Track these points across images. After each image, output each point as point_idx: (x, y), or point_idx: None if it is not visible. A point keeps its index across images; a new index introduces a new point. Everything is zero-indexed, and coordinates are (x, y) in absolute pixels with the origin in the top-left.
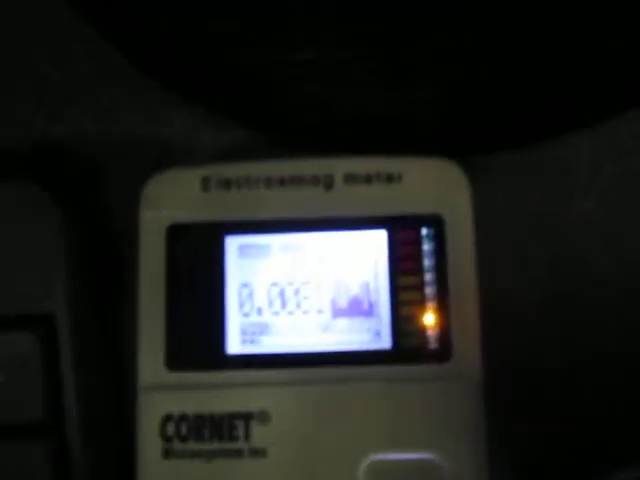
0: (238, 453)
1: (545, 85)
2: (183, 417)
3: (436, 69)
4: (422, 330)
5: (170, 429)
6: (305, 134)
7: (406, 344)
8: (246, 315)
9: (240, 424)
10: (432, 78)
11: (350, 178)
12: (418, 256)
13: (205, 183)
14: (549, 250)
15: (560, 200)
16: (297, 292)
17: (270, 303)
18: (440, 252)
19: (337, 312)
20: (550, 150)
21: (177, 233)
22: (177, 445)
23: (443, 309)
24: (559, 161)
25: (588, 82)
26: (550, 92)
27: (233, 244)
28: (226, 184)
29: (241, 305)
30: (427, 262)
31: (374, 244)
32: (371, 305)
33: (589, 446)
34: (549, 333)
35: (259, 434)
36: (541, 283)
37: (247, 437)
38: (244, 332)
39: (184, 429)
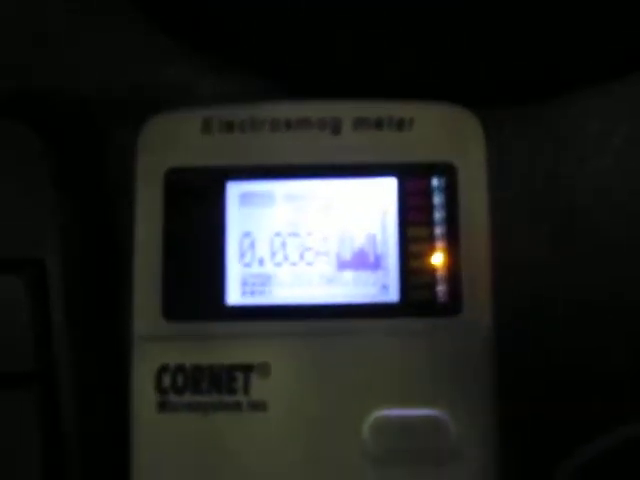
0: (237, 406)
1: (558, 39)
2: (180, 368)
3: (449, 21)
4: (431, 283)
5: (166, 381)
6: (310, 80)
7: (414, 297)
8: (247, 265)
9: (239, 376)
10: (445, 29)
11: (359, 122)
12: (429, 206)
13: (206, 125)
14: (563, 204)
15: (573, 157)
16: (301, 243)
17: (272, 254)
18: (452, 202)
19: (342, 264)
20: (564, 107)
21: (175, 178)
22: (173, 397)
23: (453, 261)
24: (573, 119)
25: (601, 36)
26: (563, 46)
27: (235, 191)
28: (229, 126)
29: (242, 255)
30: (438, 213)
31: (383, 193)
32: (378, 257)
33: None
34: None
35: (259, 387)
36: (552, 240)
37: (246, 390)
38: (245, 283)
39: (180, 381)
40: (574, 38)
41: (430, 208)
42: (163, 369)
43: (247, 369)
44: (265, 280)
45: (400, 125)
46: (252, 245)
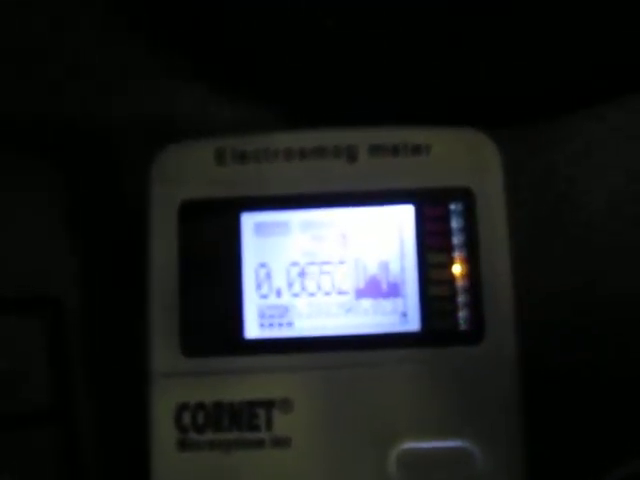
0: (259, 443)
1: (574, 56)
2: (200, 406)
3: (464, 39)
4: (452, 311)
5: (186, 419)
6: (322, 107)
7: (435, 326)
8: (264, 297)
9: (261, 412)
10: (460, 49)
11: (375, 149)
12: (447, 232)
13: (220, 156)
14: (579, 229)
15: (588, 175)
16: (318, 272)
17: (289, 284)
18: (471, 227)
19: (361, 293)
20: (578, 123)
21: (190, 210)
22: (193, 436)
23: (474, 288)
24: (587, 134)
25: (613, 50)
26: (577, 63)
27: (249, 221)
28: (242, 157)
29: (259, 286)
30: (457, 238)
31: (400, 220)
32: (397, 285)
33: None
34: (583, 309)
35: (281, 423)
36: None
37: (269, 426)
38: (262, 315)
39: (201, 418)
40: (586, 53)
41: (449, 233)
42: (183, 407)
43: (269, 405)
44: (283, 312)
45: (416, 151)
46: (268, 276)
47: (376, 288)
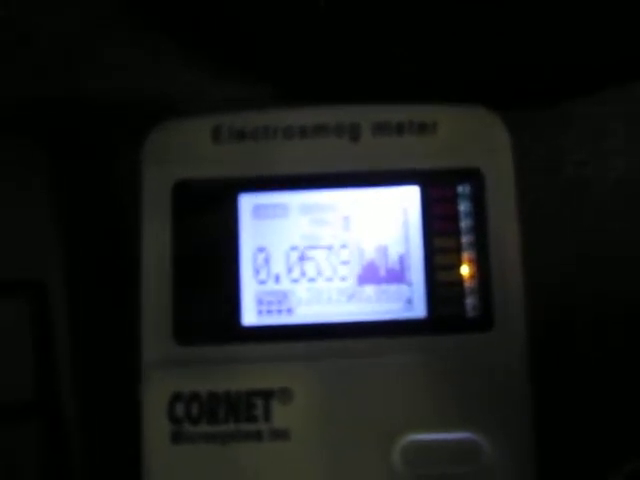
0: (257, 435)
1: (578, 40)
2: (194, 396)
3: (470, 20)
4: (460, 297)
5: (179, 410)
6: (323, 84)
7: (442, 312)
8: (262, 283)
9: (259, 403)
10: (466, 29)
11: (379, 128)
12: (455, 215)
13: (216, 134)
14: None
15: (594, 159)
16: (319, 257)
17: (289, 269)
18: (479, 210)
19: (363, 278)
20: (585, 108)
21: (184, 191)
22: (187, 428)
23: (483, 273)
24: (594, 120)
25: (618, 39)
26: (584, 47)
27: (247, 203)
28: (240, 135)
29: (257, 272)
30: (465, 221)
31: (405, 202)
32: (402, 270)
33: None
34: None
35: (280, 414)
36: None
37: (267, 417)
38: (260, 302)
39: (195, 409)
40: (592, 38)
41: (456, 217)
42: (176, 397)
43: (267, 395)
44: (282, 298)
45: (422, 130)
46: (267, 261)
47: (379, 273)
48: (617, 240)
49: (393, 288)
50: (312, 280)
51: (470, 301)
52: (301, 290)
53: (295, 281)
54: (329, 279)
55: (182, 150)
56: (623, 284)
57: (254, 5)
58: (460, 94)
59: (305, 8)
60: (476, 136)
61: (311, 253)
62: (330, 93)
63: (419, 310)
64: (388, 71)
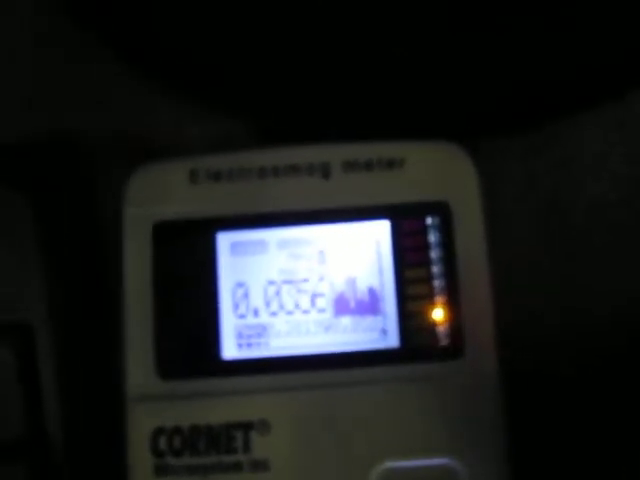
0: (237, 466)
1: (549, 65)
2: (176, 430)
3: (438, 48)
4: (432, 326)
5: (162, 443)
6: (296, 121)
7: (415, 342)
8: (242, 317)
9: (239, 435)
10: (434, 58)
11: (349, 165)
12: (424, 247)
13: (193, 175)
14: (562, 237)
15: (570, 185)
16: (296, 290)
17: (267, 303)
18: (448, 242)
19: (339, 310)
20: (557, 133)
21: (164, 230)
22: (170, 460)
23: (453, 303)
24: (567, 145)
25: (593, 60)
26: (554, 71)
27: (225, 241)
28: (216, 176)
29: (236, 306)
30: (434, 253)
31: (377, 235)
32: (376, 301)
33: None
34: (563, 326)
35: (259, 445)
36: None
37: (246, 449)
38: (240, 335)
39: (177, 442)
40: (562, 59)
41: (426, 248)
42: (159, 431)
43: (246, 427)
44: (261, 331)
45: (390, 165)
46: (246, 295)
47: (355, 305)
48: (591, 265)
49: (368, 319)
50: (290, 313)
51: (441, 330)
52: (280, 323)
53: (274, 314)
54: (306, 311)
55: (161, 192)
56: (598, 307)
57: (232, 43)
58: (432, 123)
59: (282, 45)
60: (443, 170)
61: (288, 287)
62: (302, 130)
63: (393, 340)
64: (360, 105)
